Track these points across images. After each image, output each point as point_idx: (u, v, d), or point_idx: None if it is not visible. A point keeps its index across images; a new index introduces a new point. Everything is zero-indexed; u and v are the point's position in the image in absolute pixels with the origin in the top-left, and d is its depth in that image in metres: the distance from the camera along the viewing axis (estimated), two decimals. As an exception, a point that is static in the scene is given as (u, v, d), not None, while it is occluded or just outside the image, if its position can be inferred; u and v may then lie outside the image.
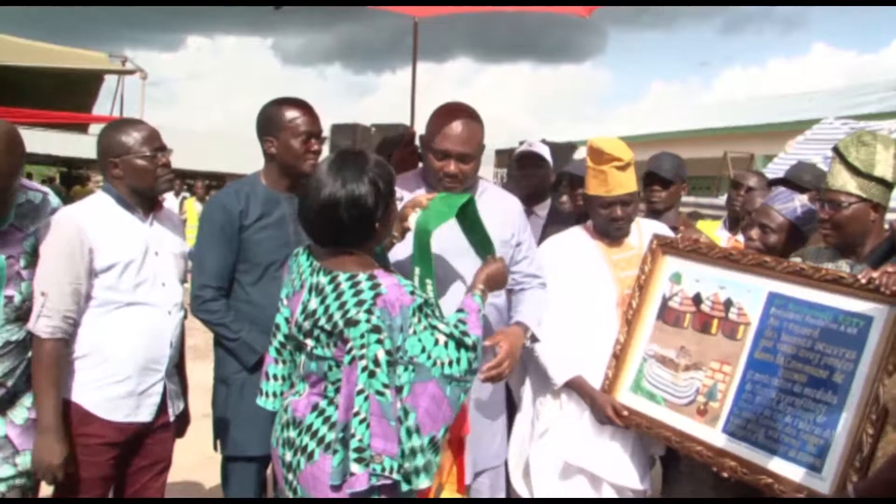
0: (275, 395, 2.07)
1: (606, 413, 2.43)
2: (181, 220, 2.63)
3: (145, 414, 2.29)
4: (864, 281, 2.06)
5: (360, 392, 1.74)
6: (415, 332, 1.83)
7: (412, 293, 1.84)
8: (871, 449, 1.93)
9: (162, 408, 2.34)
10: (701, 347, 2.36)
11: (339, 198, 1.82)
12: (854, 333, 2.06)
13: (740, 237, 3.13)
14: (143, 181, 2.27)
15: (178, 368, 2.45)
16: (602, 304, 2.56)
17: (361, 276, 1.81)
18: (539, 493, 2.55)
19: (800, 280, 2.19)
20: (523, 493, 2.63)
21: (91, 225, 2.17)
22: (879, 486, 1.77)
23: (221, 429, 2.51)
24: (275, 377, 2.07)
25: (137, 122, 2.40)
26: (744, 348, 2.26)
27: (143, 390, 2.27)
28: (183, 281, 2.44)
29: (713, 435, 2.25)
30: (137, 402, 2.26)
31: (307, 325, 1.86)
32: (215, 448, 2.57)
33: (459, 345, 1.88)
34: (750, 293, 2.29)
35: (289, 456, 1.92)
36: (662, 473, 2.78)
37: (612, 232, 2.60)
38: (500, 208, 2.45)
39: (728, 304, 2.33)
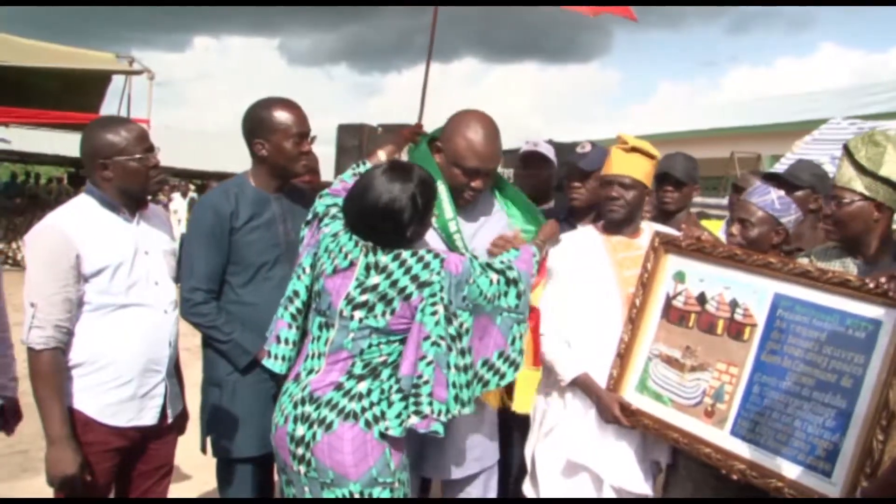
0: (283, 358, 2.24)
1: (613, 412, 2.41)
2: (167, 217, 2.59)
3: (149, 417, 2.26)
4: (871, 285, 2.02)
5: (434, 343, 2.00)
6: (474, 281, 2.08)
7: (462, 254, 2.17)
8: (882, 454, 1.89)
9: (163, 410, 2.30)
10: (706, 348, 2.33)
11: (377, 208, 2.03)
12: (862, 338, 2.02)
13: None
14: (135, 183, 2.22)
15: (175, 368, 2.42)
16: (605, 302, 2.53)
17: (422, 252, 2.06)
18: (544, 491, 2.54)
19: (806, 282, 2.16)
20: (529, 493, 2.62)
21: (76, 230, 2.12)
22: (885, 489, 1.75)
23: (215, 431, 2.50)
24: (286, 341, 2.23)
25: (125, 121, 2.35)
26: (750, 350, 2.22)
27: (145, 392, 2.24)
28: (176, 279, 2.40)
29: (721, 437, 2.22)
30: (140, 404, 2.23)
31: (363, 297, 2.04)
32: (203, 451, 2.55)
33: (507, 281, 2.16)
34: (756, 294, 2.26)
35: (302, 430, 2.03)
36: (665, 477, 2.77)
37: (605, 213, 2.58)
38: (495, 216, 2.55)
39: (734, 304, 2.29)
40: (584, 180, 2.99)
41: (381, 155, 2.52)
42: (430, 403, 1.99)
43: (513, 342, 2.20)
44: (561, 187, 3.33)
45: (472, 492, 2.48)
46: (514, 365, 2.23)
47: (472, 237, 2.41)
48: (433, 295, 2.00)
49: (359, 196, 2.07)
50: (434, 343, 2.00)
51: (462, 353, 2.07)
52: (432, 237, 2.33)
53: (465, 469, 2.44)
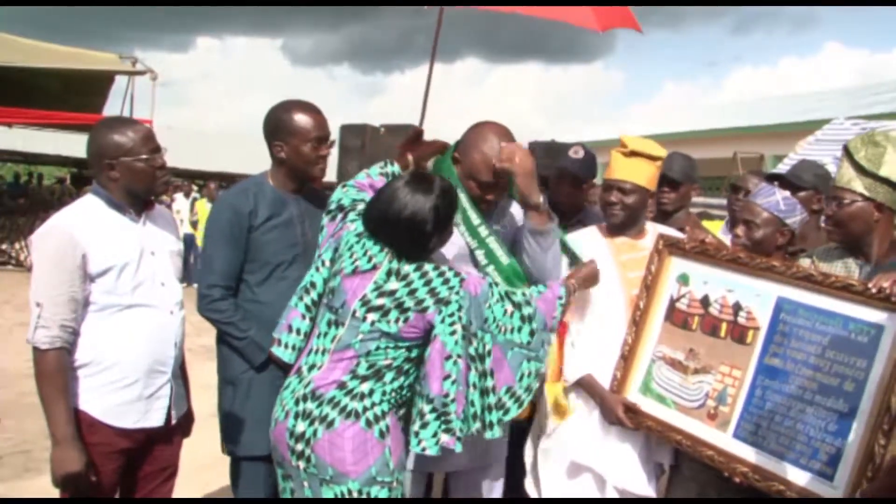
0: (293, 348, 2.27)
1: (617, 413, 2.42)
2: (173, 218, 2.60)
3: (155, 418, 2.26)
4: (874, 290, 2.02)
5: (454, 362, 2.02)
6: (490, 305, 2.11)
7: (483, 277, 2.19)
8: (884, 458, 1.89)
9: (168, 411, 2.30)
10: (709, 350, 2.34)
11: (400, 217, 2.06)
12: (865, 342, 2.02)
13: None
14: (142, 183, 2.23)
15: (181, 369, 2.42)
16: (608, 303, 2.54)
17: (445, 267, 2.10)
18: (546, 491, 2.55)
19: (809, 286, 2.16)
20: (532, 492, 2.63)
21: (82, 229, 2.12)
22: (884, 489, 1.76)
23: (230, 429, 2.50)
24: (297, 332, 2.27)
25: (131, 122, 2.36)
26: (753, 353, 2.23)
27: (150, 394, 2.24)
28: (181, 280, 2.41)
29: (724, 440, 2.23)
30: (146, 406, 2.24)
31: (379, 301, 2.06)
32: (223, 450, 2.57)
33: (522, 317, 2.16)
34: (759, 297, 2.26)
35: (302, 426, 2.05)
36: (668, 478, 2.77)
37: (606, 218, 2.60)
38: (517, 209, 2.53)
39: (737, 307, 2.30)
40: (575, 187, 3.01)
41: (409, 159, 2.50)
42: (455, 421, 2.04)
43: (521, 378, 2.19)
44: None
45: (477, 485, 2.46)
46: (519, 402, 2.21)
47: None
48: (451, 315, 2.03)
49: (382, 207, 2.11)
50: (455, 362, 2.03)
51: (483, 374, 2.11)
52: (454, 243, 2.34)
53: (468, 461, 2.42)
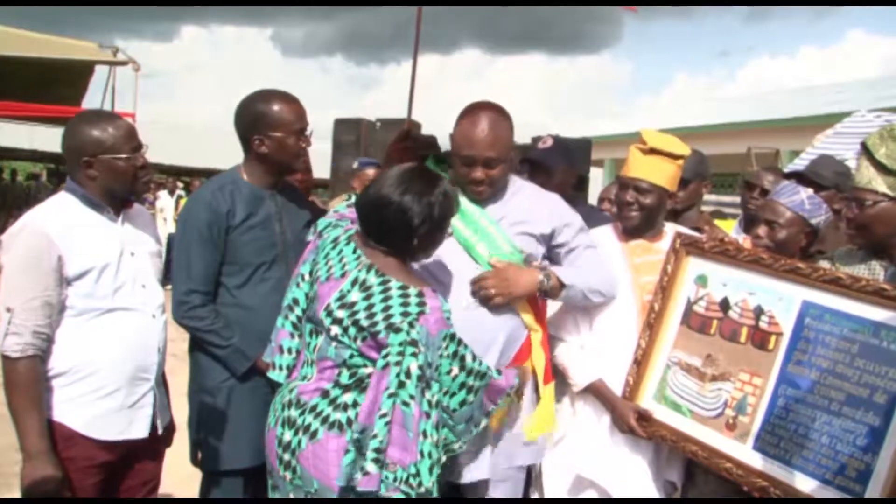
0: (283, 367, 2.27)
1: (629, 421, 2.40)
2: (151, 218, 2.58)
3: (139, 429, 2.24)
4: None
5: (391, 395, 1.90)
6: (441, 355, 2.02)
7: (448, 319, 2.04)
8: None
9: (152, 421, 2.28)
10: (729, 357, 2.32)
11: (391, 201, 2.03)
12: None
13: None
14: (122, 183, 2.21)
15: (162, 377, 2.39)
16: (620, 310, 2.52)
17: (412, 290, 2.01)
18: None
19: (837, 289, 2.13)
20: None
21: (58, 229, 2.09)
22: None
23: (208, 442, 2.48)
24: (289, 351, 2.27)
25: (112, 116, 2.33)
26: (775, 360, 2.21)
27: (133, 403, 2.22)
28: (163, 282, 2.39)
29: (743, 451, 2.21)
30: (129, 416, 2.21)
31: (340, 313, 2.04)
32: (194, 462, 2.54)
33: (462, 385, 2.07)
34: (782, 301, 2.24)
35: (288, 435, 2.05)
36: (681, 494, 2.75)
37: (621, 219, 2.58)
38: (533, 206, 2.45)
39: (758, 311, 2.28)
40: (548, 177, 3.02)
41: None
42: (376, 461, 1.89)
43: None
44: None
45: (502, 488, 2.41)
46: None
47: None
48: (401, 344, 1.94)
49: (378, 185, 2.09)
50: (392, 395, 1.91)
51: (437, 426, 1.99)
52: (455, 250, 2.32)
53: (506, 463, 2.38)
